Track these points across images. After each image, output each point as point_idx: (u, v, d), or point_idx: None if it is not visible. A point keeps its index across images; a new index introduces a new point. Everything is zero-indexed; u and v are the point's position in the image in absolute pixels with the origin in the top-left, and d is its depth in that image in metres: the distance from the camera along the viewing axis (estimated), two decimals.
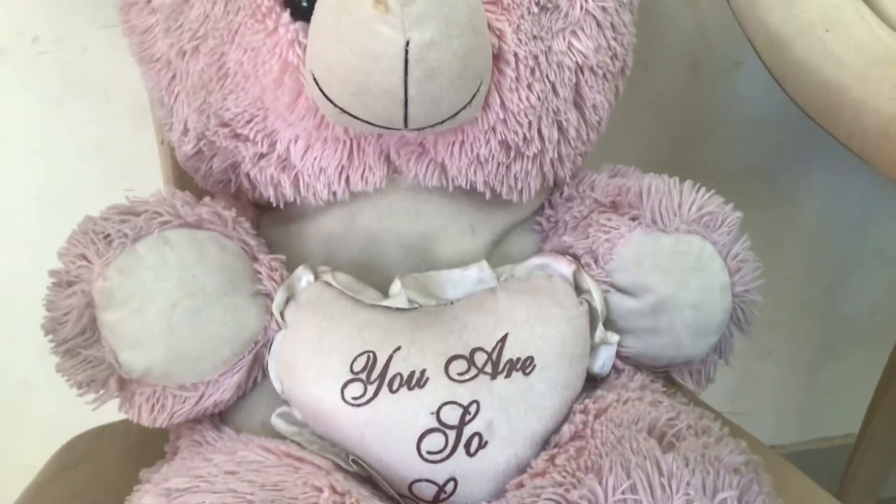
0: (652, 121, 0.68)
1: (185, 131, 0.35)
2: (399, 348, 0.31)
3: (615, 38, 0.36)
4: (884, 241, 0.80)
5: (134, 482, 0.31)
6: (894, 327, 0.72)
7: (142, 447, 0.39)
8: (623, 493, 0.27)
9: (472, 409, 0.31)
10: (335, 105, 0.30)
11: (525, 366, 0.32)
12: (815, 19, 0.42)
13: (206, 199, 0.34)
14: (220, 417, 0.35)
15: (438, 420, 0.31)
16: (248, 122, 0.33)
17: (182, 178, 0.43)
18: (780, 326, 0.82)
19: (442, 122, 0.31)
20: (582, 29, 0.35)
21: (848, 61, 0.40)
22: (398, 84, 0.29)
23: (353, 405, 0.31)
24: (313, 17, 0.30)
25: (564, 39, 0.34)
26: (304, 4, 0.31)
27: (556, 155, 0.36)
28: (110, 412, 0.35)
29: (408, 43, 0.28)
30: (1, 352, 0.62)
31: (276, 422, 0.33)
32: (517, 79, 0.33)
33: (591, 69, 0.35)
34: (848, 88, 0.40)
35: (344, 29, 0.28)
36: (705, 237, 0.35)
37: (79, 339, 0.31)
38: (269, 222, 0.38)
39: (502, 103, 0.33)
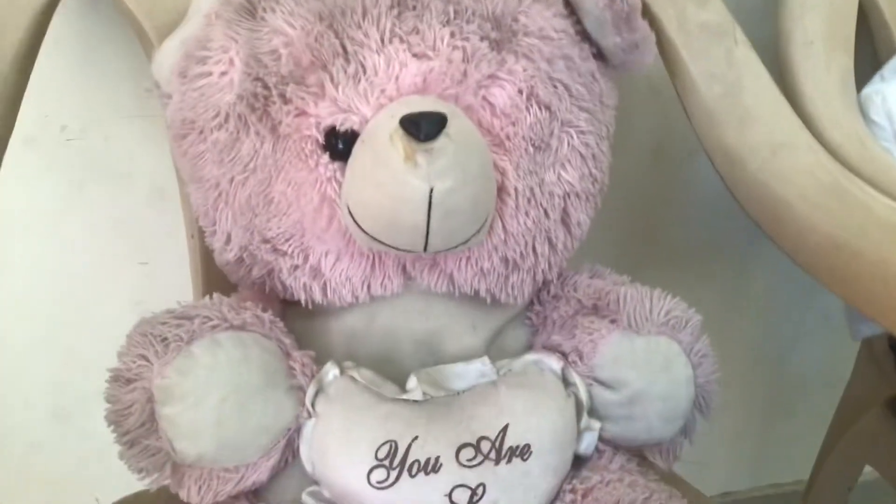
0: (619, 201, 0.74)
1: (228, 241, 0.40)
2: (416, 437, 0.36)
3: (596, 167, 0.43)
4: (827, 307, 0.88)
5: None
6: (840, 384, 0.79)
7: None
8: None
9: (480, 490, 0.36)
10: (366, 233, 0.36)
11: (523, 452, 0.37)
12: (764, 142, 0.49)
13: (249, 303, 0.39)
14: (256, 494, 0.39)
15: (451, 501, 0.36)
16: (288, 240, 0.39)
17: (209, 270, 0.48)
18: (735, 383, 0.89)
19: (455, 247, 0.37)
20: (569, 162, 0.41)
21: (793, 182, 0.47)
22: (422, 221, 0.35)
23: (377, 488, 0.36)
24: (350, 162, 0.36)
25: (555, 172, 0.41)
26: (341, 148, 0.37)
27: (546, 265, 0.42)
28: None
29: (431, 190, 0.34)
30: (14, 416, 0.66)
31: (307, 499, 0.38)
32: (516, 207, 0.39)
33: (577, 194, 0.42)
34: (792, 207, 0.46)
35: (379, 176, 0.34)
36: (672, 338, 0.41)
37: (140, 430, 0.35)
38: (295, 316, 0.42)
39: (504, 227, 0.39)
